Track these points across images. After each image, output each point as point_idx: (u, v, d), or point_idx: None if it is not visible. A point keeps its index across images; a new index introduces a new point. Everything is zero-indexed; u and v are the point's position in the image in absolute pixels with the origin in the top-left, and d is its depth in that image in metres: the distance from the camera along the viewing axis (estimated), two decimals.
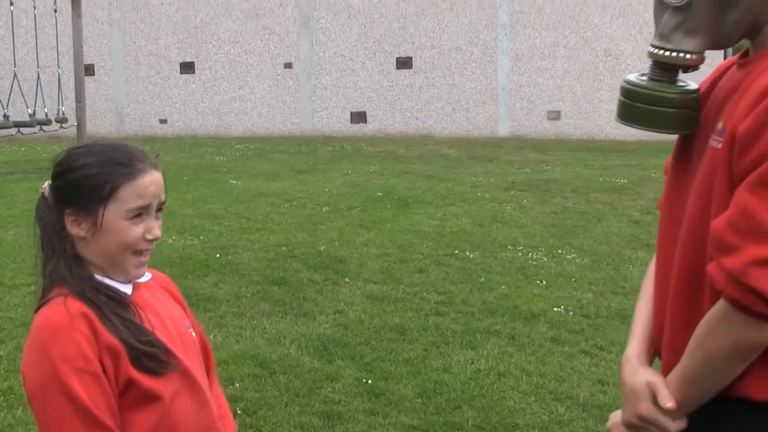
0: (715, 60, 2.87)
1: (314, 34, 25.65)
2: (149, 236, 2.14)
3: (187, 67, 26.21)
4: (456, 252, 9.21)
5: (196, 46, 26.08)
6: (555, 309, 7.18)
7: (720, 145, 1.97)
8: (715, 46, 2.10)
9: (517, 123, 24.91)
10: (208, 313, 6.93)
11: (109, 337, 2.03)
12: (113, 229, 2.10)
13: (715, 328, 1.93)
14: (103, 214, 2.09)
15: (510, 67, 24.87)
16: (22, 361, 2.07)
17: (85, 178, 2.11)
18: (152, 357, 2.07)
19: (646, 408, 2.08)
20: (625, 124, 2.22)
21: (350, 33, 25.48)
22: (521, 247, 9.50)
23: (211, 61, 26.07)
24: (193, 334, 2.33)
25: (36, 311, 2.10)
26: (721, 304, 1.90)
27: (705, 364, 1.96)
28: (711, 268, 1.90)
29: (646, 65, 2.26)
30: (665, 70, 2.14)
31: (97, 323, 2.03)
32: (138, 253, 2.15)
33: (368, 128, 25.48)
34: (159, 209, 2.18)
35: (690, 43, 2.07)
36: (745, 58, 2.12)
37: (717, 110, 2.09)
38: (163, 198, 2.18)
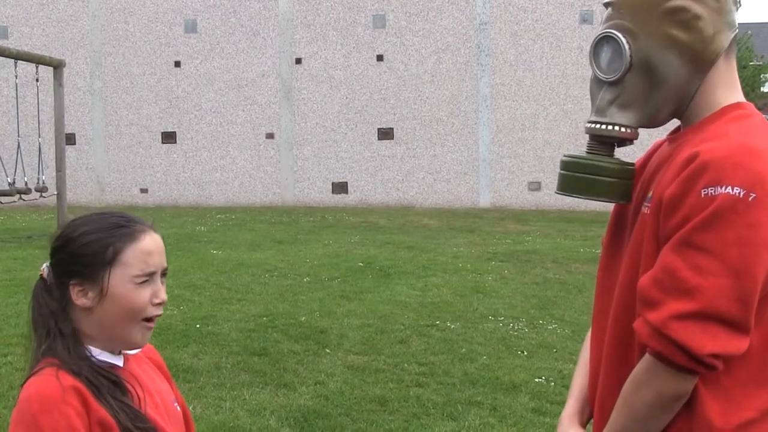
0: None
1: (296, 104, 25.81)
2: (156, 300, 2.13)
3: (169, 137, 26.28)
4: (437, 323, 9.18)
5: (178, 116, 26.19)
6: (536, 380, 7.15)
7: (648, 211, 2.11)
8: (646, 123, 2.22)
9: (498, 194, 25.04)
10: (187, 384, 6.86)
11: (101, 412, 2.00)
12: (120, 294, 2.08)
13: (639, 381, 2.04)
14: (108, 279, 2.08)
15: (491, 138, 25.06)
16: (9, 430, 2.03)
17: (85, 245, 2.10)
18: None
19: None
20: (564, 195, 2.31)
21: (332, 104, 25.67)
22: (502, 318, 9.48)
23: (193, 131, 26.17)
24: (178, 408, 2.31)
25: (24, 383, 2.07)
26: (646, 358, 2.02)
27: (630, 417, 2.06)
28: (637, 323, 2.02)
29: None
30: (602, 143, 2.26)
31: (89, 398, 2.00)
32: (147, 320, 2.13)
33: (349, 198, 25.55)
34: (163, 274, 2.17)
35: (624, 117, 2.19)
36: (675, 134, 2.26)
37: (648, 181, 2.22)
38: (165, 264, 2.18)
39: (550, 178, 24.35)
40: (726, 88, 2.17)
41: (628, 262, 2.18)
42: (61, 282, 2.11)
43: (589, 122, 2.25)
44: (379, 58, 25.52)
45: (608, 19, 2.22)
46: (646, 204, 2.14)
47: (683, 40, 2.10)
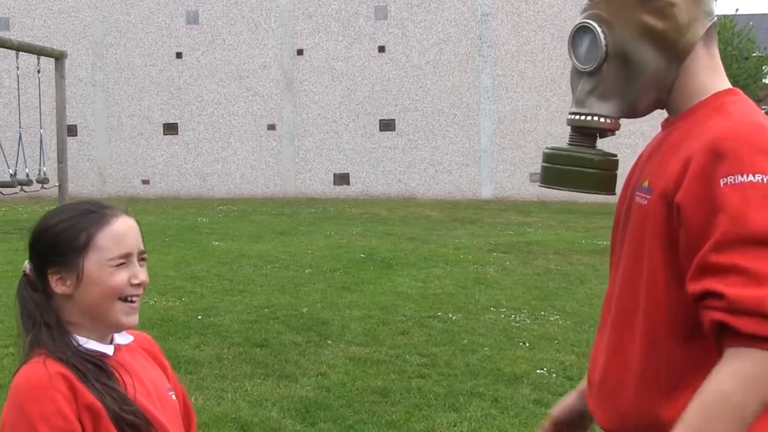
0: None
1: (297, 96, 25.79)
2: (135, 281, 2.14)
3: (170, 128, 26.28)
4: (439, 314, 9.18)
5: (180, 107, 26.18)
6: (538, 371, 7.14)
7: (645, 202, 2.09)
8: (627, 113, 2.22)
9: (500, 185, 25.03)
10: (189, 375, 6.86)
11: (89, 396, 2.01)
12: (97, 277, 2.10)
13: (750, 378, 1.86)
14: (83, 264, 2.09)
15: (492, 129, 25.05)
16: (2, 416, 2.04)
17: (59, 234, 2.12)
18: (134, 427, 2.05)
19: None
20: (546, 187, 2.31)
21: (333, 95, 25.65)
22: (504, 309, 9.48)
23: (195, 122, 26.16)
24: (173, 397, 2.31)
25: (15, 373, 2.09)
26: (743, 354, 1.86)
27: (738, 419, 1.88)
28: (714, 321, 1.89)
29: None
30: (583, 135, 2.26)
31: (76, 383, 2.01)
32: (124, 299, 2.13)
33: (351, 190, 25.54)
34: (142, 258, 2.18)
35: (603, 108, 2.18)
36: (666, 121, 2.25)
37: (641, 170, 2.21)
38: (141, 246, 2.18)
39: None
40: (710, 75, 2.16)
41: (626, 257, 2.18)
42: (41, 273, 2.14)
43: (570, 114, 2.25)
44: (381, 49, 25.50)
45: (585, 9, 2.23)
46: (639, 194, 2.14)
47: (658, 28, 2.10)
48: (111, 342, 2.20)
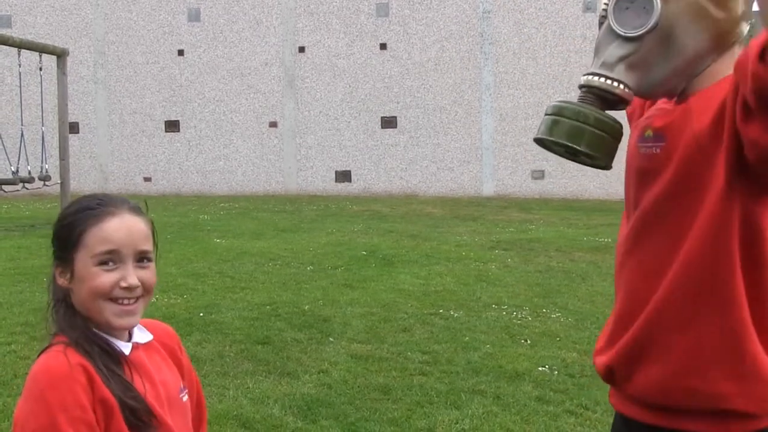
0: None
1: (299, 93, 25.79)
2: (123, 284, 2.07)
3: (172, 126, 26.28)
4: (440, 311, 9.18)
5: (181, 104, 26.18)
6: (540, 368, 7.14)
7: (658, 150, 2.10)
8: (645, 91, 2.17)
9: (502, 182, 25.03)
10: None
11: (104, 391, 2.00)
12: (84, 276, 2.07)
13: None
14: (74, 261, 2.08)
15: (494, 126, 25.04)
16: (16, 407, 2.03)
17: (62, 228, 2.13)
18: (134, 411, 2.04)
19: None
20: (543, 139, 2.20)
21: (335, 92, 25.65)
22: (506, 307, 9.47)
23: (196, 119, 26.16)
24: (185, 398, 2.30)
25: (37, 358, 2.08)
26: None
27: None
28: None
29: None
30: (598, 98, 2.16)
31: (95, 375, 2.00)
32: (114, 300, 2.08)
33: (353, 187, 25.54)
34: (140, 259, 2.12)
35: (628, 77, 2.12)
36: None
37: (641, 124, 2.22)
38: (141, 247, 2.11)
39: (554, 166, 24.33)
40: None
41: (663, 194, 2.14)
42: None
43: (591, 74, 2.17)
44: (383, 46, 25.49)
45: None
46: (644, 145, 2.15)
47: (713, 14, 2.08)
48: (129, 339, 2.18)
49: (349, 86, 25.60)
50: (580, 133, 2.12)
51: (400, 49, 25.42)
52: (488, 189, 25.08)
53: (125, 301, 2.09)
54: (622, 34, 2.12)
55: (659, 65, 2.11)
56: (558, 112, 2.16)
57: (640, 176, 2.22)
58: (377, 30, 25.49)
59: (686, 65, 2.11)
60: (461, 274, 11.44)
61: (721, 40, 2.10)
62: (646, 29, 2.08)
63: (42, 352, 2.08)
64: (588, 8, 24.61)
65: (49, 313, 2.15)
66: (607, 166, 2.21)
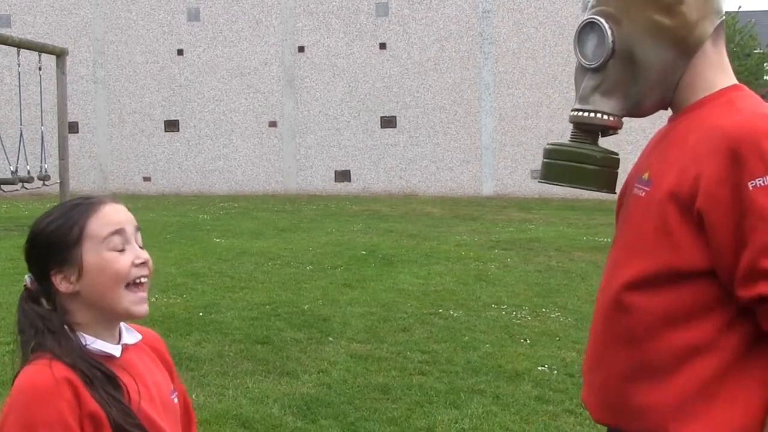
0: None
1: (299, 92, 25.79)
2: (138, 260, 2.11)
3: (172, 125, 26.28)
4: (440, 311, 9.18)
5: (181, 104, 26.18)
6: (539, 368, 7.14)
7: (643, 194, 2.11)
8: (632, 111, 2.22)
9: (501, 182, 25.03)
10: (190, 372, 6.86)
11: (93, 404, 1.97)
12: (99, 265, 2.07)
13: None
14: (81, 256, 2.07)
15: (494, 126, 25.04)
16: None
17: (52, 233, 2.10)
18: None
19: None
20: (548, 183, 2.31)
21: (335, 92, 25.65)
22: (505, 306, 9.48)
23: (196, 119, 26.16)
24: (176, 400, 2.30)
25: (17, 374, 2.05)
26: None
27: None
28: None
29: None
30: (586, 132, 2.24)
31: (81, 389, 1.98)
32: (134, 286, 2.11)
33: (352, 187, 25.54)
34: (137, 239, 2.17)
35: (607, 105, 2.18)
36: (673, 116, 2.24)
37: (643, 163, 2.23)
38: (135, 222, 2.17)
39: None
40: (717, 72, 2.16)
41: (620, 244, 2.22)
42: (44, 277, 2.12)
43: (573, 110, 2.24)
44: (382, 46, 25.49)
45: (593, 6, 2.23)
46: (639, 186, 2.15)
47: (666, 25, 2.10)
48: (119, 342, 2.17)
49: (349, 86, 25.59)
50: (579, 173, 2.23)
51: (399, 49, 25.42)
52: (488, 189, 25.08)
53: (141, 279, 2.13)
54: (587, 66, 2.20)
55: (633, 86, 2.16)
56: (553, 156, 2.27)
57: (626, 213, 2.26)
58: (377, 30, 25.49)
59: (659, 78, 2.14)
60: (461, 273, 11.45)
61: (683, 46, 2.12)
62: (604, 58, 2.15)
63: (26, 363, 2.05)
64: (587, 8, 24.60)
65: (24, 346, 2.08)
66: (610, 192, 2.30)
